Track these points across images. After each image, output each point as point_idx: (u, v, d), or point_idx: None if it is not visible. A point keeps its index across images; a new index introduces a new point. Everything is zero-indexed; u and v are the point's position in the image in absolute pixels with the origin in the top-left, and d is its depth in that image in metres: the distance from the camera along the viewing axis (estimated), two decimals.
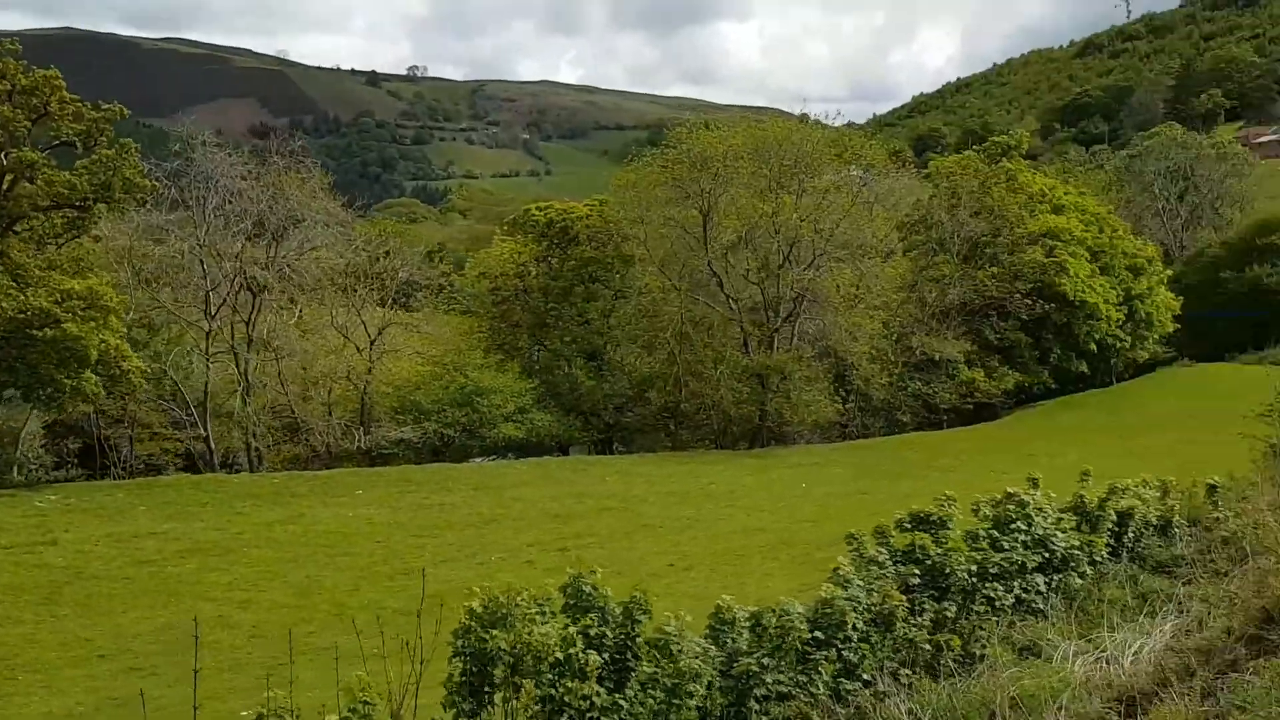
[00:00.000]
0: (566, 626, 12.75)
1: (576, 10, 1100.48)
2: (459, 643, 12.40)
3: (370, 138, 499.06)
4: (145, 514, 34.20)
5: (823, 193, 54.04)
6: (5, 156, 34.88)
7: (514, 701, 12.24)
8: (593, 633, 12.85)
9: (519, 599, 12.62)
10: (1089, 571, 20.79)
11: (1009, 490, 21.26)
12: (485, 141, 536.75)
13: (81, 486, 38.73)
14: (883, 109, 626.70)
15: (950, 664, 16.76)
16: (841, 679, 15.38)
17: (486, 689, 12.33)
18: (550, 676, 12.31)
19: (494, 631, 12.34)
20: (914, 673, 16.45)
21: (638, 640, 13.12)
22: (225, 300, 43.77)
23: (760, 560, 28.77)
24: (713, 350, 53.62)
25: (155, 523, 32.97)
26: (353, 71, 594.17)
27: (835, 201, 53.96)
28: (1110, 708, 12.12)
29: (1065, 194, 70.34)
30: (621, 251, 55.90)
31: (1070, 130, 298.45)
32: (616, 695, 12.77)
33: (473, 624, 12.37)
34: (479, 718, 12.11)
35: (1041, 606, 19.52)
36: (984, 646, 17.55)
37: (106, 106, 37.47)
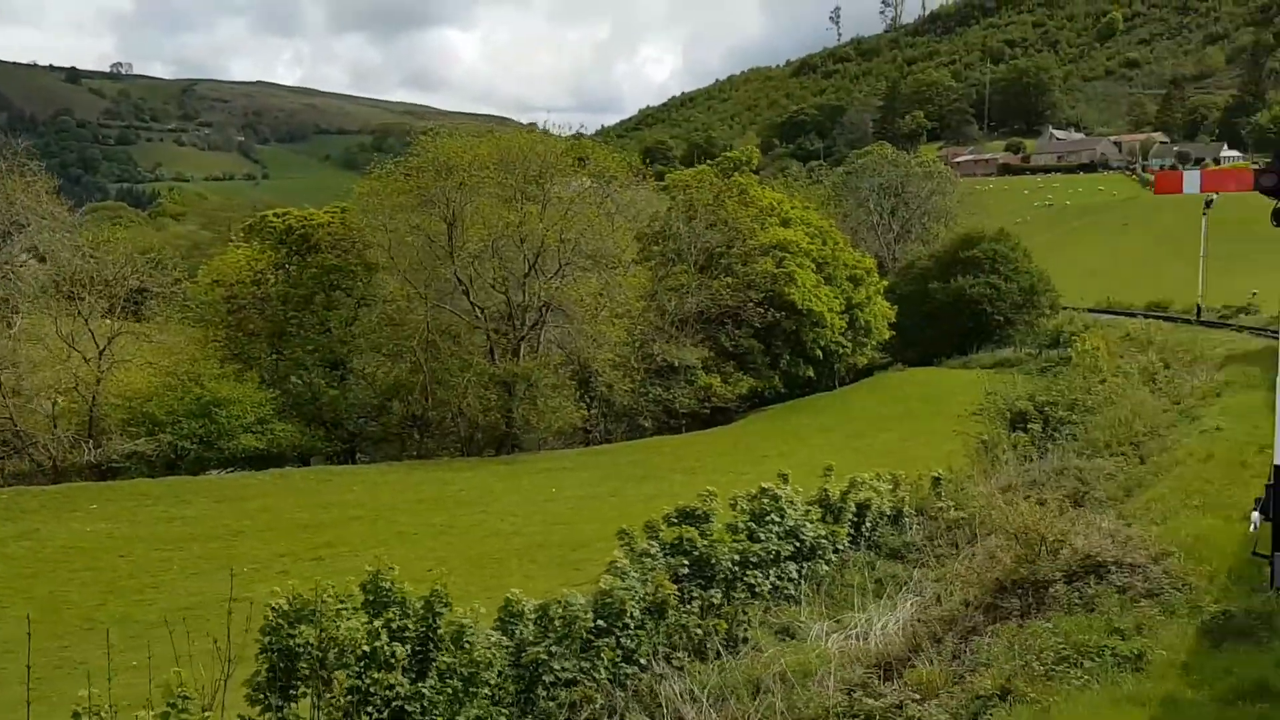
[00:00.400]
0: (370, 621, 13.09)
1: (292, 9, 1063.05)
2: (266, 640, 12.59)
3: (70, 137, 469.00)
4: None
5: (568, 203, 55.13)
6: None
7: (323, 695, 12.51)
8: (395, 625, 13.24)
9: (325, 596, 12.89)
10: (833, 559, 22.52)
11: (763, 485, 22.76)
12: (197, 143, 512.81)
13: None
14: (609, 120, 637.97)
15: (718, 647, 17.92)
16: (621, 664, 16.28)
17: (294, 683, 12.57)
18: (357, 668, 12.65)
19: (301, 627, 12.58)
20: (686, 656, 17.55)
21: (439, 632, 13.59)
22: None
23: (519, 563, 29.30)
24: (459, 358, 53.71)
25: None
26: (51, 67, 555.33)
27: (579, 212, 55.15)
28: (871, 673, 13.47)
29: (791, 208, 74.18)
30: (365, 259, 55.28)
31: (789, 146, 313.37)
32: (419, 684, 13.21)
33: (280, 621, 12.57)
34: (285, 711, 12.31)
35: (794, 592, 21.03)
36: (746, 630, 18.84)
37: None
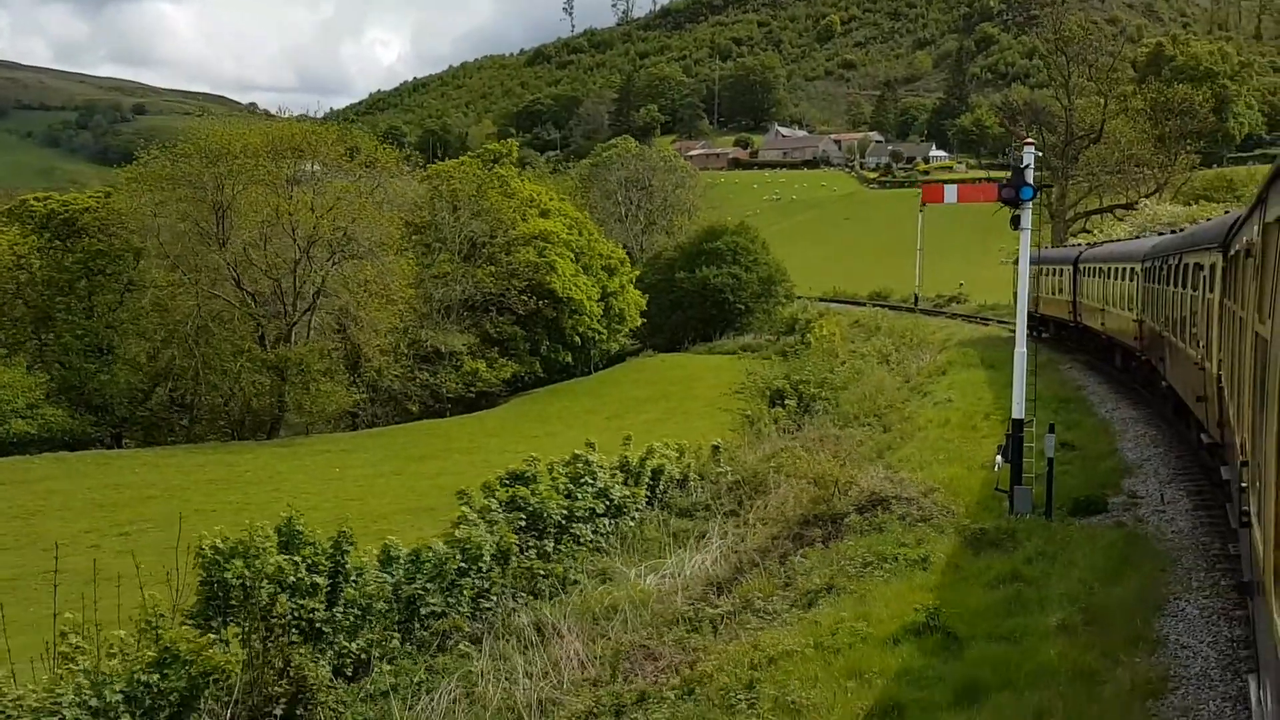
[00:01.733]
0: (291, 558, 15.50)
1: None
2: (206, 574, 14.92)
3: None
4: None
5: (339, 192, 56.34)
6: None
7: (254, 618, 14.86)
8: (312, 561, 15.66)
9: (256, 537, 15.27)
10: (636, 516, 25.89)
11: (576, 452, 25.96)
12: None
13: None
14: (337, 103, 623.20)
15: (554, 588, 20.93)
16: (479, 599, 19.13)
17: (227, 609, 14.94)
18: (285, 596, 15.07)
19: (234, 562, 14.91)
20: (527, 596, 20.50)
21: (346, 567, 16.08)
22: None
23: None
24: (231, 343, 54.19)
25: None
26: None
27: (350, 201, 56.45)
28: (707, 589, 16.72)
29: (550, 199, 77.23)
30: (132, 244, 54.81)
31: (526, 135, 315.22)
32: (333, 610, 15.73)
33: (216, 558, 14.87)
34: (222, 632, 14.58)
35: (604, 545, 24.24)
36: (573, 575, 21.89)
37: None
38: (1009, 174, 18.09)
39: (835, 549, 16.29)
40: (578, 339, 73.22)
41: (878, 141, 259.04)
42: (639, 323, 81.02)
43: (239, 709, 13.73)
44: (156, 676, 12.73)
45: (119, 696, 12.31)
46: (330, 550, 16.08)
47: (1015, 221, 18.19)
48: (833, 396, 36.12)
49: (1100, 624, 12.27)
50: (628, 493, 25.61)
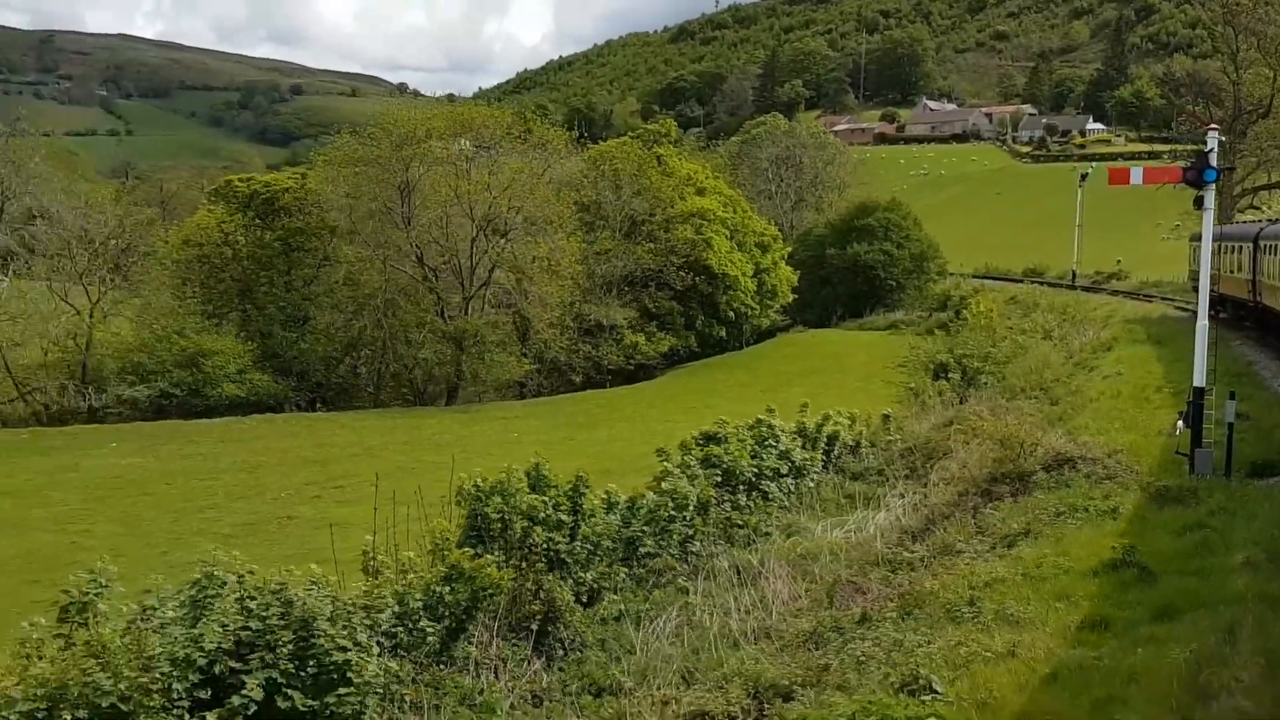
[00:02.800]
0: (540, 497, 18.06)
1: None
2: (469, 508, 17.62)
3: None
4: None
5: (514, 172, 59.43)
6: None
7: (515, 547, 17.43)
8: (556, 501, 18.19)
9: (510, 478, 17.88)
10: (815, 478, 27.94)
11: (759, 417, 28.11)
12: (57, 96, 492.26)
13: None
14: (483, 82, 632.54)
15: (748, 538, 23.18)
16: (685, 544, 21.49)
17: (485, 536, 17.53)
18: (539, 529, 17.63)
19: (493, 499, 17.51)
20: (725, 543, 22.78)
21: (584, 508, 18.59)
22: None
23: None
24: (416, 315, 57.87)
25: None
26: None
27: (524, 180, 59.48)
28: (904, 535, 18.73)
29: (705, 178, 79.25)
30: (326, 222, 58.91)
31: (669, 113, 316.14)
32: (573, 544, 18.25)
33: (478, 494, 17.54)
34: (482, 556, 17.10)
35: (787, 504, 26.33)
36: (764, 527, 24.07)
37: None
38: (1173, 148, 19.72)
39: (1024, 502, 18.11)
40: (731, 314, 75.14)
41: (1031, 114, 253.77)
42: (790, 299, 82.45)
43: (504, 621, 16.32)
44: (446, 589, 15.35)
45: (419, 603, 14.94)
46: (570, 492, 18.61)
47: (1199, 202, 19.76)
48: (996, 370, 37.52)
49: None
50: (806, 456, 27.68)
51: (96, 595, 11.16)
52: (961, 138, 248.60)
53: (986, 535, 16.98)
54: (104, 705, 9.95)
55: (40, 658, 10.18)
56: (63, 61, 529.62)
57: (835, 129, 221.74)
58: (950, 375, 38.07)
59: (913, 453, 28.41)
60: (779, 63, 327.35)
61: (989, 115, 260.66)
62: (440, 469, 39.57)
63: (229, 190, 59.79)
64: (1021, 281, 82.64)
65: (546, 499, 18.14)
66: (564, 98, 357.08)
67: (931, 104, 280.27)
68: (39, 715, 9.75)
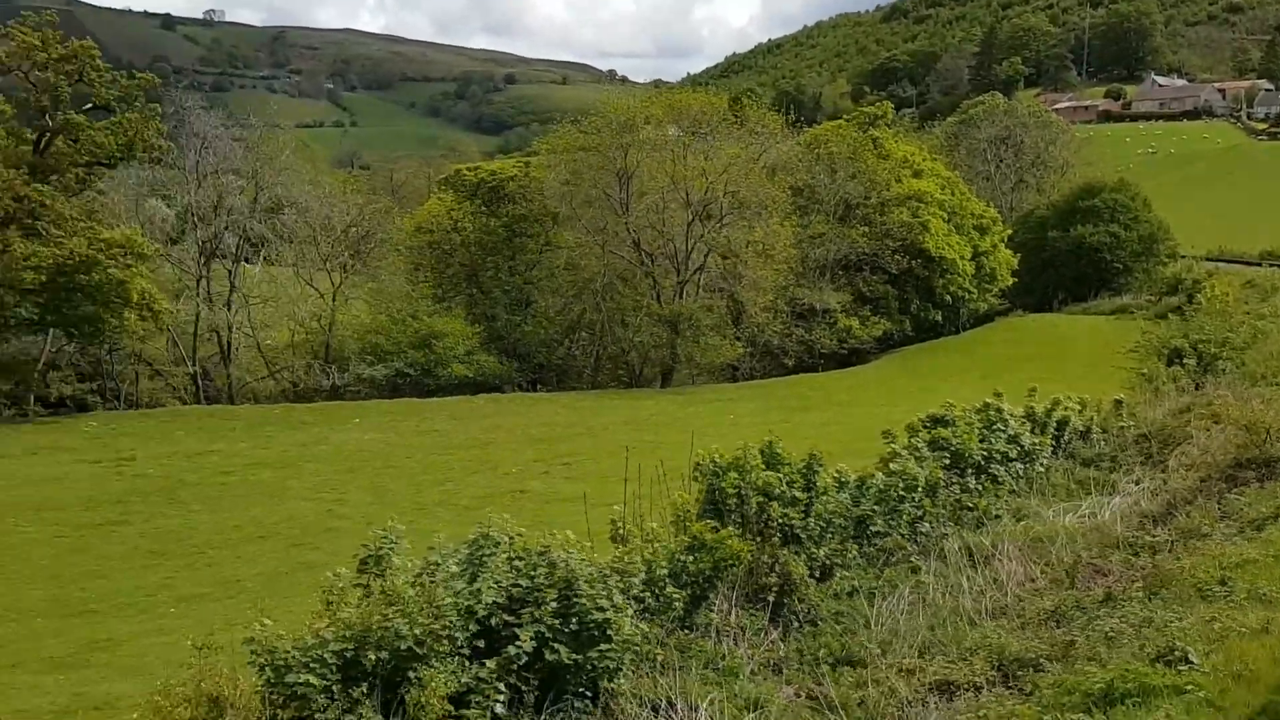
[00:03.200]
0: (775, 474, 18.50)
1: None
2: (706, 483, 18.24)
3: (167, 85, 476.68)
4: (186, 437, 37.92)
5: (731, 157, 60.01)
6: (50, 117, 37.60)
7: (752, 521, 17.94)
8: (791, 478, 18.61)
9: (747, 455, 18.40)
10: (1044, 463, 27.49)
11: (987, 401, 27.84)
12: (288, 90, 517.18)
13: (110, 415, 41.87)
14: (691, 67, 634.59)
15: (978, 520, 23.06)
16: (915, 525, 21.58)
17: (722, 510, 18.07)
18: (773, 504, 18.07)
19: (729, 474, 18.06)
20: (954, 526, 22.73)
21: (816, 484, 18.96)
22: (215, 252, 47.19)
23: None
24: (632, 299, 59.19)
25: (203, 443, 36.90)
26: (145, 14, 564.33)
27: (740, 166, 59.98)
28: (1144, 519, 18.43)
29: (922, 160, 78.05)
30: (548, 209, 60.88)
31: (880, 94, 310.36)
32: (806, 520, 18.64)
33: (715, 469, 18.13)
34: (719, 529, 17.62)
35: (1016, 488, 26.01)
36: (994, 510, 23.88)
37: (140, 75, 40.50)
38: None
39: (1272, 488, 17.58)
40: (948, 298, 73.93)
41: (1267, 90, 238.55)
42: (1009, 282, 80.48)
43: (741, 592, 16.89)
44: (690, 559, 16.02)
45: (664, 571, 15.64)
46: (803, 470, 19.02)
47: None
48: (1235, 356, 36.01)
49: None
50: (1036, 440, 27.26)
51: (390, 550, 12.36)
52: (1192, 115, 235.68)
53: (1233, 520, 16.57)
54: (401, 648, 11.08)
55: (345, 604, 11.38)
56: (294, 56, 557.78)
57: (1056, 107, 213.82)
58: (1185, 361, 36.65)
59: (1147, 439, 27.64)
60: (997, 40, 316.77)
61: (1222, 91, 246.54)
62: (660, 448, 40.52)
63: (458, 179, 62.45)
64: (1259, 265, 78.31)
65: (781, 475, 18.60)
66: (772, 80, 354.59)
67: (1160, 80, 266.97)
68: (348, 654, 10.96)
